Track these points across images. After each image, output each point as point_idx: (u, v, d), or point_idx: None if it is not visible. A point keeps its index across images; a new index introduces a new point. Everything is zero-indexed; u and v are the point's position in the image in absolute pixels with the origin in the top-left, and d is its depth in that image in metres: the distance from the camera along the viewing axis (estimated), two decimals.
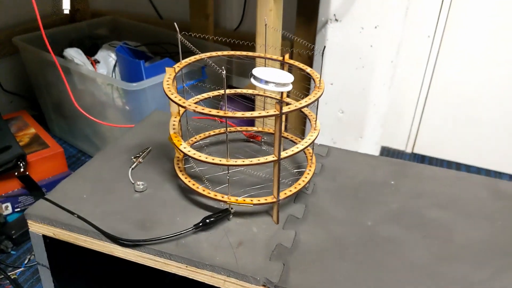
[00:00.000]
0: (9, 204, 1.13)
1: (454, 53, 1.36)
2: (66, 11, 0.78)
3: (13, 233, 1.06)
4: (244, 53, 0.65)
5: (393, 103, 1.43)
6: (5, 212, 1.13)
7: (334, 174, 0.67)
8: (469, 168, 1.46)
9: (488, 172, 1.45)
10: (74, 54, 1.29)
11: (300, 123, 1.39)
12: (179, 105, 0.51)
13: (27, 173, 1.14)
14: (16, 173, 1.12)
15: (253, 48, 0.82)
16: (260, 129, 0.73)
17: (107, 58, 1.36)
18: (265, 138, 0.72)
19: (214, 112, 0.49)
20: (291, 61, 0.62)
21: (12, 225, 1.08)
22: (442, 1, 1.32)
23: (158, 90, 1.19)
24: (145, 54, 1.41)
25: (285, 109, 0.50)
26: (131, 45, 1.38)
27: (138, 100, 1.17)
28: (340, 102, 1.29)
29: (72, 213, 0.55)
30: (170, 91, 0.53)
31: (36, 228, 0.57)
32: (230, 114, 0.48)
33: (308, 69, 0.59)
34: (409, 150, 1.54)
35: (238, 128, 0.72)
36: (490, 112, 1.38)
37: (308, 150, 0.64)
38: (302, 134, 1.24)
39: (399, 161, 0.71)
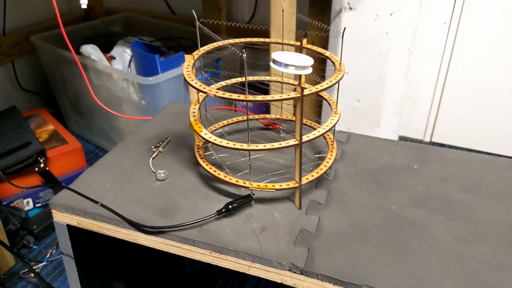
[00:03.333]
0: (30, 200, 1.15)
1: (471, 39, 1.33)
2: (84, 6, 0.78)
3: (35, 228, 1.07)
4: (261, 39, 0.65)
5: (409, 91, 1.41)
6: (27, 208, 1.15)
7: (355, 159, 0.66)
8: None
9: None
10: (91, 51, 1.30)
11: (315, 112, 1.37)
12: (199, 90, 0.50)
13: (47, 168, 1.15)
14: (36, 169, 1.14)
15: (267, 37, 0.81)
16: (278, 116, 0.72)
17: (123, 54, 1.37)
18: (283, 125, 0.72)
19: (235, 96, 0.48)
20: (309, 46, 0.61)
21: (33, 220, 1.10)
22: None
23: (173, 84, 1.19)
24: (160, 49, 1.41)
25: (307, 91, 0.49)
26: (146, 41, 1.39)
27: (154, 94, 1.17)
28: (357, 91, 1.28)
29: (95, 202, 0.55)
30: (190, 77, 0.53)
31: (60, 217, 0.57)
32: (251, 97, 0.48)
33: (327, 53, 0.59)
34: (427, 139, 1.51)
35: (256, 116, 0.72)
36: (510, 98, 1.35)
37: (329, 135, 0.63)
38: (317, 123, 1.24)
39: (420, 145, 0.70)
